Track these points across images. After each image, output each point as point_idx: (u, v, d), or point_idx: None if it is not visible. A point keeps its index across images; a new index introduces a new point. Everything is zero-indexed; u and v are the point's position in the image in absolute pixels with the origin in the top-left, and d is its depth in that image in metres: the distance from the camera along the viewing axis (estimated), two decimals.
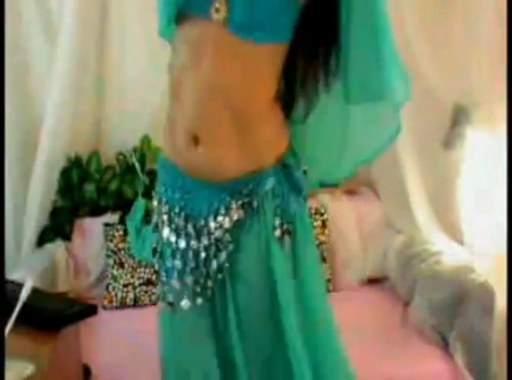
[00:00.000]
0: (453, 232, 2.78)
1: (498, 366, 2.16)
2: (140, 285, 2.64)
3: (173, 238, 1.46)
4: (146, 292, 2.64)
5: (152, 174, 2.84)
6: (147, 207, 2.72)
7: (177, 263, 1.45)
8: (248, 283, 1.41)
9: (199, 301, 1.43)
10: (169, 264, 1.48)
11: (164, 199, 1.49)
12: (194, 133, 1.39)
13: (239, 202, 1.39)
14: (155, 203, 1.53)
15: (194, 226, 1.43)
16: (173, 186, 1.47)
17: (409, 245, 2.76)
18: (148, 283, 2.64)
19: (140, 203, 2.73)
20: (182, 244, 1.45)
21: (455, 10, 2.69)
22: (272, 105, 1.43)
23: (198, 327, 1.45)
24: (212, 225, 1.41)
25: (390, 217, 2.93)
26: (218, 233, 1.41)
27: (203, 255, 1.43)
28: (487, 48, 2.63)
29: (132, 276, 2.65)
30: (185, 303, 1.44)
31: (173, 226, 1.46)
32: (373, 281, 2.89)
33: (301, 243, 1.45)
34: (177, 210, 1.46)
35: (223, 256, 1.41)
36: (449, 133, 2.76)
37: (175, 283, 1.46)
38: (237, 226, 1.40)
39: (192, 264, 1.44)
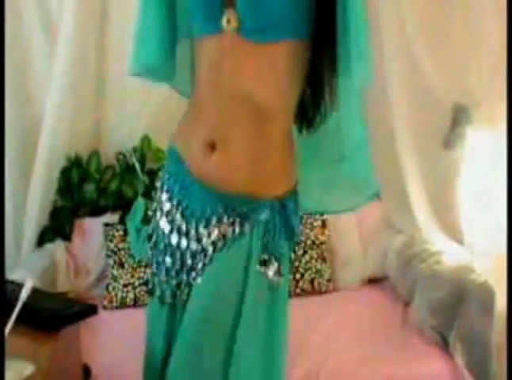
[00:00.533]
0: (453, 232, 2.78)
1: (498, 366, 2.16)
2: (140, 285, 2.64)
3: (167, 230, 1.47)
4: (146, 292, 2.64)
5: (152, 174, 2.85)
6: (147, 206, 2.73)
7: (168, 260, 1.47)
8: (207, 303, 1.39)
9: (176, 303, 1.46)
10: (160, 258, 1.49)
11: (165, 187, 1.49)
12: (212, 140, 1.39)
13: (231, 219, 1.39)
14: (158, 184, 1.54)
15: (186, 225, 1.44)
16: (176, 177, 1.47)
17: (409, 245, 2.76)
18: (148, 282, 2.64)
19: (140, 203, 2.74)
20: (174, 240, 1.45)
21: (455, 10, 2.69)
22: (291, 121, 1.44)
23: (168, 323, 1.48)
24: (202, 231, 1.41)
25: (390, 217, 2.93)
26: (205, 242, 1.41)
27: (189, 262, 1.44)
28: (487, 48, 2.63)
29: (132, 276, 2.65)
30: (167, 300, 1.47)
31: (169, 217, 1.47)
32: (373, 281, 2.89)
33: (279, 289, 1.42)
34: (175, 202, 1.46)
35: (200, 266, 1.42)
36: (449, 133, 2.76)
37: (163, 278, 1.48)
38: (223, 241, 1.40)
39: (177, 265, 1.45)
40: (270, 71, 1.36)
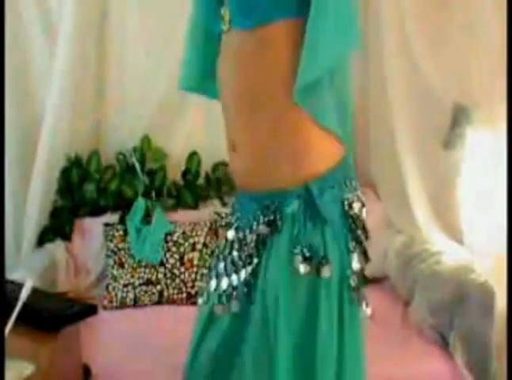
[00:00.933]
0: (453, 232, 2.78)
1: (498, 366, 2.16)
2: (140, 285, 2.64)
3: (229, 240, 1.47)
4: (146, 292, 2.64)
5: (152, 174, 2.86)
6: (147, 206, 2.74)
7: (221, 266, 1.45)
8: (260, 306, 1.35)
9: (219, 311, 1.43)
10: (214, 263, 1.49)
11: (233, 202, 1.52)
12: (232, 139, 1.39)
13: (266, 218, 1.36)
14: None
15: (238, 233, 1.43)
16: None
17: (409, 245, 2.76)
18: (148, 282, 2.64)
19: (140, 203, 2.75)
20: (228, 249, 1.45)
21: (455, 10, 2.69)
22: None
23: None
24: (248, 237, 1.40)
25: (390, 217, 2.93)
26: (250, 246, 1.40)
27: (240, 264, 1.42)
28: (487, 48, 2.63)
29: (132, 276, 2.65)
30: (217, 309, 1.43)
31: (231, 228, 1.46)
32: (373, 281, 2.88)
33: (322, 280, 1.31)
34: (234, 211, 1.48)
35: (248, 270, 1.39)
36: (449, 133, 2.76)
37: (212, 283, 1.45)
38: (262, 242, 1.37)
39: (229, 270, 1.43)
40: (272, 61, 1.31)
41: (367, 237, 1.41)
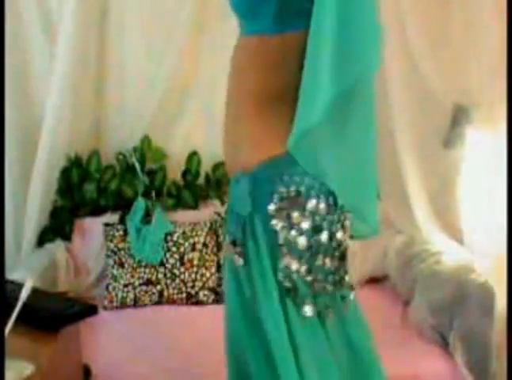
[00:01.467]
0: (453, 232, 2.78)
1: (498, 366, 2.16)
2: (140, 285, 2.64)
3: None
4: (146, 292, 2.64)
5: (152, 174, 2.86)
6: (147, 206, 2.74)
7: None
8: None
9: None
10: None
11: None
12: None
13: None
14: None
15: None
16: None
17: (409, 245, 2.77)
18: (148, 282, 2.64)
19: (140, 203, 2.75)
20: None
21: (455, 11, 2.69)
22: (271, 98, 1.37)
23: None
24: None
25: (390, 217, 2.93)
26: None
27: None
28: (487, 48, 2.63)
29: (132, 276, 2.65)
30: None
31: None
32: (373, 281, 2.89)
33: (254, 269, 1.37)
34: None
35: None
36: (449, 133, 2.76)
37: None
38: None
39: None
40: (246, 74, 1.37)
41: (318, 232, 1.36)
